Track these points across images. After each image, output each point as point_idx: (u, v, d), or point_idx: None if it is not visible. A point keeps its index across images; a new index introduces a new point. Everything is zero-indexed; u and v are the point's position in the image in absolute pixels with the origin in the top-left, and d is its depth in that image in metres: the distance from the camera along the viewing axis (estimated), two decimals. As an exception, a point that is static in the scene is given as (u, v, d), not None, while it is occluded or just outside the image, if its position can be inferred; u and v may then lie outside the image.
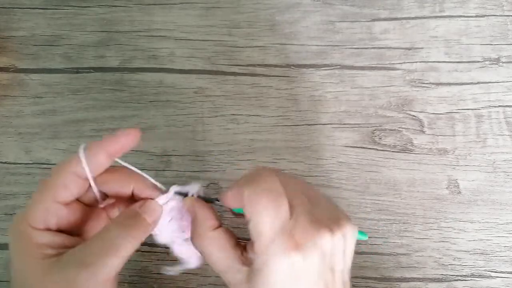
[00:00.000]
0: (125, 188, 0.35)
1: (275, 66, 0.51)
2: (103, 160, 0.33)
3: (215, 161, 0.48)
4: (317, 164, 0.48)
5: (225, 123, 0.49)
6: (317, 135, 0.49)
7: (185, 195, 0.36)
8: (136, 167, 0.36)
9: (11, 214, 0.46)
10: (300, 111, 0.50)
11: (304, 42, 0.52)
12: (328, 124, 0.50)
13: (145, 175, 0.35)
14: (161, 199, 0.35)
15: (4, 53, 0.52)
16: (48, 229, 0.32)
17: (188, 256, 0.36)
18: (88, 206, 0.36)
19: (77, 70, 0.51)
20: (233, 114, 0.50)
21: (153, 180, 0.35)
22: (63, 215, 0.33)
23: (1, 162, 0.48)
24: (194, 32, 0.52)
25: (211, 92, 0.50)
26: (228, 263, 0.33)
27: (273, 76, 0.51)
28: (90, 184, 0.34)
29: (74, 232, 0.34)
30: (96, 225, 0.35)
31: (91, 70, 0.51)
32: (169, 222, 0.36)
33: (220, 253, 0.33)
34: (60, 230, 0.33)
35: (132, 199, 0.35)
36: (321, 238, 0.30)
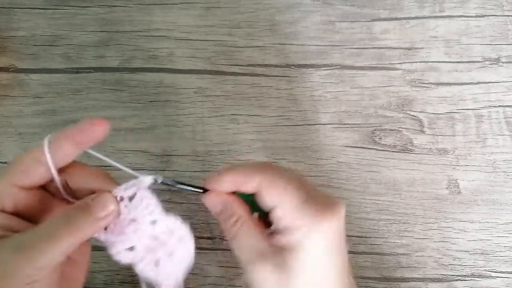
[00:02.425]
0: (89, 184, 0.34)
1: (275, 66, 0.51)
2: (68, 150, 0.33)
3: (215, 161, 0.48)
4: (317, 164, 0.48)
5: (225, 123, 0.49)
6: (317, 135, 0.49)
7: (197, 187, 0.36)
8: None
9: (11, 214, 0.46)
10: (300, 111, 0.50)
11: (304, 42, 0.52)
12: (328, 124, 0.50)
13: (119, 165, 0.34)
14: (119, 191, 0.33)
15: (4, 53, 0.52)
16: (3, 211, 0.32)
17: (159, 280, 0.35)
18: (54, 196, 0.35)
19: (77, 70, 0.51)
20: (233, 114, 0.50)
21: (128, 170, 0.34)
22: (21, 199, 0.33)
23: (1, 162, 0.48)
24: (194, 32, 0.52)
25: (211, 92, 0.50)
26: (260, 248, 0.33)
27: (273, 76, 0.51)
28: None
29: (33, 218, 0.34)
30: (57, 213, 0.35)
31: (91, 70, 0.51)
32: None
33: (252, 240, 0.33)
34: (17, 214, 0.33)
35: None
36: (339, 211, 0.33)
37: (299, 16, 0.53)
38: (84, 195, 0.34)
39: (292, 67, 0.51)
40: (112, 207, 0.33)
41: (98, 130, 0.33)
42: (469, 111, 0.50)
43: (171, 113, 0.50)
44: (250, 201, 0.35)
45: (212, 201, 0.36)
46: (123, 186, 0.33)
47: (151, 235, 0.34)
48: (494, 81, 0.51)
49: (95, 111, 0.50)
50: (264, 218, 0.35)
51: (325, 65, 0.51)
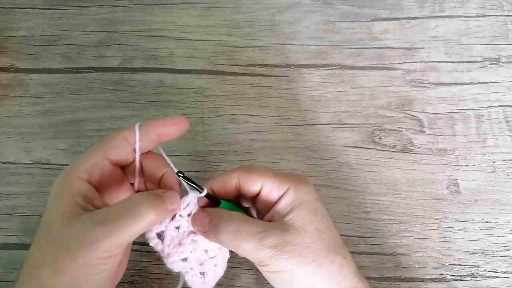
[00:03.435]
0: (159, 169, 0.38)
1: (275, 66, 0.51)
2: (152, 138, 0.37)
3: (215, 161, 0.48)
4: (317, 164, 0.48)
5: (225, 123, 0.49)
6: (317, 135, 0.49)
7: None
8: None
9: (11, 214, 0.46)
10: (300, 111, 0.50)
11: (304, 42, 0.52)
12: (328, 124, 0.50)
13: (180, 178, 0.37)
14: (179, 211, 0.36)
15: (4, 53, 0.52)
16: (89, 182, 0.35)
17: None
18: (127, 180, 0.38)
19: (77, 70, 0.51)
20: (233, 114, 0.50)
21: (184, 182, 0.37)
22: (106, 173, 0.36)
23: (1, 162, 0.48)
24: (194, 32, 0.52)
25: (211, 92, 0.50)
26: (258, 230, 0.34)
27: (273, 76, 0.51)
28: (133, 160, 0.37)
29: (103, 193, 0.36)
30: (121, 195, 0.38)
31: (91, 70, 0.51)
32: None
33: (247, 225, 0.35)
34: (95, 187, 0.35)
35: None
36: (308, 180, 0.39)
37: (299, 16, 0.53)
38: (153, 178, 0.38)
39: (292, 67, 0.51)
40: (177, 204, 0.35)
41: (181, 128, 0.37)
42: (469, 111, 0.50)
43: (171, 113, 0.50)
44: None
45: (200, 215, 0.37)
46: (181, 206, 0.36)
47: (204, 248, 0.37)
48: (494, 81, 0.51)
49: (95, 111, 0.50)
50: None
51: (325, 65, 0.51)
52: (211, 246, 0.37)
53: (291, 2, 0.53)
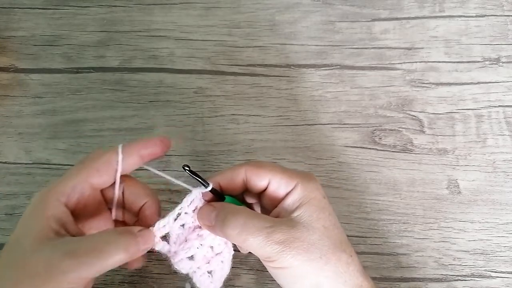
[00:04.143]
0: (140, 198, 0.37)
1: (275, 66, 0.51)
2: (134, 160, 0.36)
3: (215, 161, 0.48)
4: (317, 164, 0.48)
5: (225, 123, 0.49)
6: (317, 135, 0.49)
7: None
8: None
9: (11, 214, 0.46)
10: (300, 111, 0.50)
11: (304, 42, 0.52)
12: (328, 124, 0.50)
13: (172, 178, 0.37)
14: (159, 224, 0.35)
15: (4, 53, 0.52)
16: (66, 205, 0.34)
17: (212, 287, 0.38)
18: (106, 204, 0.37)
19: (77, 70, 0.51)
20: (233, 114, 0.50)
21: (182, 184, 0.37)
22: (85, 197, 0.35)
23: (1, 162, 0.48)
24: (194, 32, 0.52)
25: (211, 92, 0.50)
26: (266, 225, 0.34)
27: (273, 76, 0.51)
28: (115, 184, 0.36)
29: (80, 218, 0.35)
30: (100, 226, 0.37)
31: (91, 70, 0.51)
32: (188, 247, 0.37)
33: (255, 221, 0.35)
34: (72, 211, 0.34)
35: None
36: (314, 176, 0.38)
37: (299, 16, 0.53)
38: (133, 207, 0.37)
39: (292, 67, 0.51)
40: (151, 244, 0.35)
41: (164, 149, 0.37)
42: (469, 111, 0.50)
43: (171, 113, 0.50)
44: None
45: (206, 210, 0.37)
46: (185, 204, 0.36)
47: (209, 244, 0.37)
48: (494, 81, 0.51)
49: (95, 111, 0.50)
50: None
51: (325, 65, 0.51)
52: (217, 241, 0.37)
53: (291, 2, 0.53)
